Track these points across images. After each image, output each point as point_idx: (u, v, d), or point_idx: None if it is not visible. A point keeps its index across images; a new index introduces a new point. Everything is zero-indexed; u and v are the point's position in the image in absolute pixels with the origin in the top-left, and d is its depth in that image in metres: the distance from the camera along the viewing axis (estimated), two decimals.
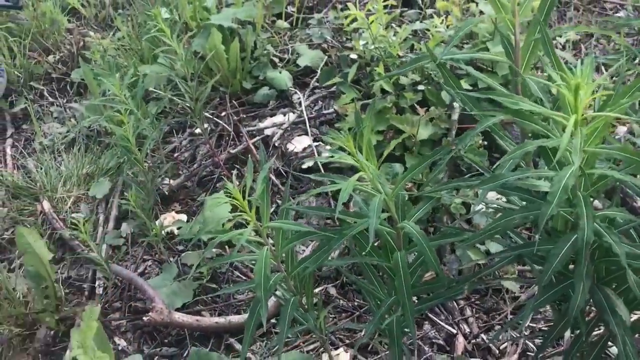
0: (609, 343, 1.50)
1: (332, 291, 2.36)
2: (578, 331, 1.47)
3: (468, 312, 2.16)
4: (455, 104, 2.51)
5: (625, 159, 1.06)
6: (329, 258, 1.49)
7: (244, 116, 3.07)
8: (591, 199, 1.21)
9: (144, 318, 2.17)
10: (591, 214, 1.14)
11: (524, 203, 1.32)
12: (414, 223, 1.46)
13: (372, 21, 2.67)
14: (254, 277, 1.52)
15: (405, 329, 1.60)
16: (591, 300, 1.40)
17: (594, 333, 1.54)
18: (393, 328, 1.57)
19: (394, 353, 1.54)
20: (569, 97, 1.00)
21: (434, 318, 2.15)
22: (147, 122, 2.64)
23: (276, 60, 3.33)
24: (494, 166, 1.30)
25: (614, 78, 2.67)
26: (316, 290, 2.37)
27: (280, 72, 3.18)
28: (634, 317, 1.53)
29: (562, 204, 1.26)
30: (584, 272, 1.17)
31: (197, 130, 3.09)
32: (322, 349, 2.14)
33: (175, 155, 3.03)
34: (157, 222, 2.52)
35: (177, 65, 2.48)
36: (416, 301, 1.67)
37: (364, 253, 1.55)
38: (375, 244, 1.58)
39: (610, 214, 1.29)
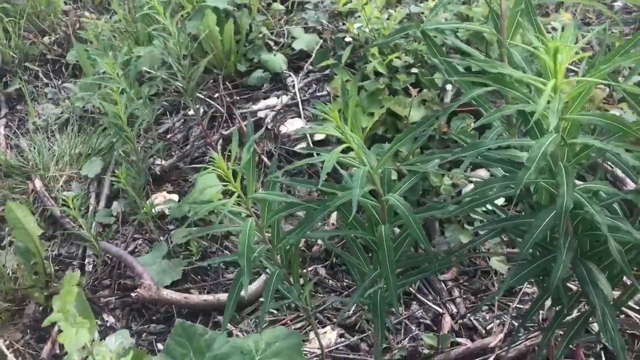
0: (591, 320, 1.50)
1: (322, 271, 2.36)
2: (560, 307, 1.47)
3: (456, 292, 2.15)
4: (448, 87, 2.51)
5: (606, 125, 1.05)
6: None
7: (238, 98, 3.07)
8: (574, 170, 1.21)
9: (132, 294, 2.17)
10: (572, 182, 1.13)
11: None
12: (399, 196, 1.45)
13: (367, 2, 2.66)
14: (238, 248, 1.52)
15: (390, 304, 1.60)
16: (575, 275, 1.40)
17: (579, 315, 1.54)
18: (377, 302, 1.57)
19: (377, 327, 1.54)
20: (548, 62, 0.99)
21: (422, 298, 2.15)
22: (140, 102, 2.64)
23: (271, 43, 3.32)
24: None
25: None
26: (306, 270, 2.37)
27: (275, 55, 3.18)
28: (618, 295, 1.54)
29: (545, 174, 1.26)
30: (562, 242, 1.17)
31: (191, 112, 3.08)
32: (310, 326, 2.15)
33: (169, 136, 3.03)
34: (147, 201, 2.51)
35: (170, 44, 2.47)
36: (402, 276, 1.67)
37: (349, 226, 1.55)
38: (362, 218, 1.58)
39: (594, 187, 1.29)
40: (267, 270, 1.66)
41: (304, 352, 2.04)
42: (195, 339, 1.65)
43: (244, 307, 2.23)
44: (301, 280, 1.71)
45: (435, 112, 2.48)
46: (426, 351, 1.90)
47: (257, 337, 1.79)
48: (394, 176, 1.84)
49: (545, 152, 1.06)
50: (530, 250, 1.49)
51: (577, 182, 1.36)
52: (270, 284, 1.56)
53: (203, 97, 3.05)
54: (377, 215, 1.53)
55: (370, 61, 2.57)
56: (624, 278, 1.54)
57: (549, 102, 0.98)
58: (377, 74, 2.59)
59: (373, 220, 1.55)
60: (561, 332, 1.52)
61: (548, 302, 1.50)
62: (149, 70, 3.02)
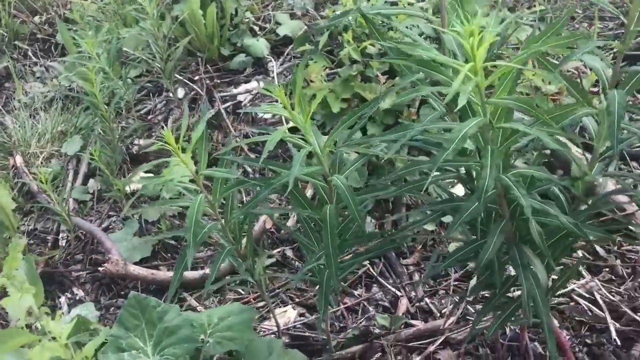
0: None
1: (289, 253, 2.41)
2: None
3: (416, 277, 2.20)
4: None
5: (517, 107, 1.09)
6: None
7: (219, 81, 3.10)
8: (501, 153, 1.24)
9: (100, 269, 2.22)
10: (495, 164, 1.17)
11: None
12: (343, 177, 1.49)
13: None
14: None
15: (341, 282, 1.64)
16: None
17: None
18: (323, 280, 1.62)
19: (320, 304, 1.58)
20: (466, 45, 1.02)
21: (383, 281, 2.20)
22: (119, 82, 2.68)
23: (256, 28, 3.35)
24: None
25: None
26: (274, 251, 2.42)
27: (257, 40, 3.21)
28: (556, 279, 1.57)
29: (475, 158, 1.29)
30: (487, 224, 1.20)
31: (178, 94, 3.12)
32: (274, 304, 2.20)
33: (150, 117, 3.07)
34: (122, 180, 2.56)
35: (148, 24, 2.50)
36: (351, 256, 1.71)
37: (298, 206, 1.59)
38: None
39: (527, 172, 1.33)
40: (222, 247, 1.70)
41: (263, 329, 2.10)
42: (148, 310, 1.70)
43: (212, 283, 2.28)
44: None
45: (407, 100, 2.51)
46: (377, 331, 1.95)
47: (210, 312, 1.84)
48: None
49: (465, 135, 1.10)
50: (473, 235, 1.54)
51: (518, 166, 1.40)
52: (219, 259, 1.61)
53: (184, 79, 3.09)
54: (325, 196, 1.58)
55: (346, 47, 2.60)
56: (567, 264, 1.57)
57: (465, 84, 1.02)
58: (353, 60, 2.62)
59: (322, 200, 1.59)
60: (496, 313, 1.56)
61: None
62: (133, 53, 3.06)
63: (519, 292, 1.58)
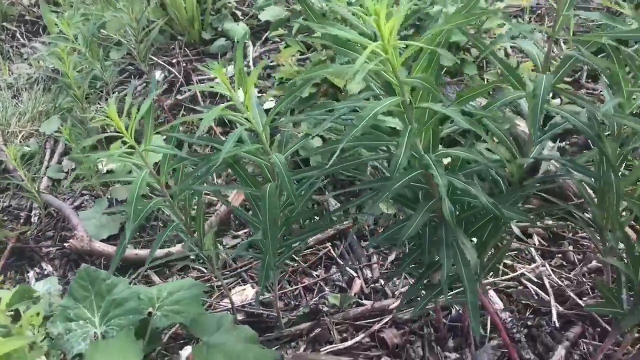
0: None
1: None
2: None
3: (374, 259, 2.23)
4: None
5: (420, 85, 1.11)
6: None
7: (197, 65, 3.14)
8: (417, 133, 1.27)
9: (65, 244, 2.28)
10: (410, 143, 1.19)
11: None
12: (283, 155, 1.52)
13: None
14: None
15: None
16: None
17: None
18: (265, 258, 1.65)
19: (261, 279, 1.62)
20: (372, 23, 1.05)
21: (341, 262, 2.23)
22: (97, 64, 2.72)
23: (239, 13, 3.39)
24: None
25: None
26: (240, 232, 2.46)
27: (237, 25, 3.24)
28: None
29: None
30: (404, 201, 1.23)
31: (155, 77, 3.16)
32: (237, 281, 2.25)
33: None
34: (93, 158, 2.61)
35: (120, 5, 2.54)
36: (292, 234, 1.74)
37: (241, 183, 1.63)
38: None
39: (452, 152, 1.36)
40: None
41: (221, 305, 2.14)
42: (98, 283, 1.75)
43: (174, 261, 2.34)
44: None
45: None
46: (327, 309, 1.99)
47: (162, 286, 1.89)
48: None
49: (376, 113, 1.13)
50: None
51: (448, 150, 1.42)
52: (162, 235, 1.65)
53: (163, 62, 3.13)
54: (268, 174, 1.61)
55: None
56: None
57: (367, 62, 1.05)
58: (323, 45, 2.64)
59: (265, 178, 1.63)
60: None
61: None
62: (115, 35, 3.11)
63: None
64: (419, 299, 1.59)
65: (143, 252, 2.34)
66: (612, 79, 1.34)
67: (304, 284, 2.19)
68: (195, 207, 1.78)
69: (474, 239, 1.56)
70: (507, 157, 1.45)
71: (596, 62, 1.34)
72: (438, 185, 1.24)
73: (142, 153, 1.58)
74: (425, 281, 1.53)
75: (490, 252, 1.60)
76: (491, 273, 1.61)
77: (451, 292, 1.75)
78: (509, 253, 2.10)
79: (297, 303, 2.11)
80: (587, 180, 1.53)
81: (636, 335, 1.70)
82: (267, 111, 2.76)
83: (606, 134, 1.41)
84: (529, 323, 1.80)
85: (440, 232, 1.43)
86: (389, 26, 1.07)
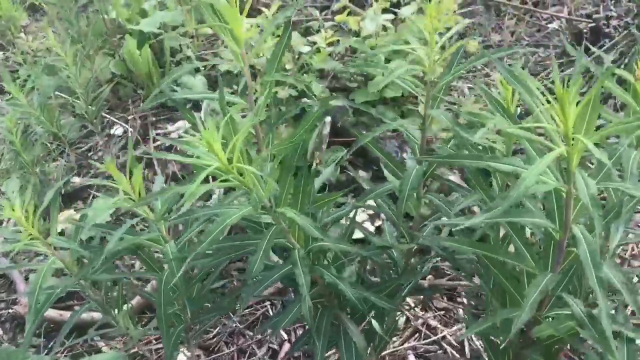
0: None
1: None
2: None
3: None
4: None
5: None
6: None
7: (155, 119, 3.22)
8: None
9: (9, 311, 2.35)
10: (270, 245, 1.24)
11: None
12: (174, 244, 1.57)
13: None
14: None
15: None
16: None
17: None
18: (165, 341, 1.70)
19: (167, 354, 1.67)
20: None
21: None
22: (51, 126, 2.81)
23: (199, 64, 3.46)
24: None
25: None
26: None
27: (194, 77, 3.31)
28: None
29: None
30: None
31: (116, 132, 3.25)
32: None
33: (90, 154, 3.20)
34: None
35: (64, 75, 2.63)
36: None
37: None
38: None
39: (325, 246, 1.39)
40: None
41: None
42: None
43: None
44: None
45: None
46: None
47: None
48: None
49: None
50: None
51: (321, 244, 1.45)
52: (74, 315, 1.71)
53: (123, 117, 3.22)
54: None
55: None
56: None
57: None
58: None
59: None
60: None
61: None
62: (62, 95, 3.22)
63: None
64: None
65: (85, 316, 2.40)
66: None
67: (239, 346, 2.23)
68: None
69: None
70: (387, 244, 1.48)
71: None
72: (298, 286, 1.28)
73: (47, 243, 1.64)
74: None
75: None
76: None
77: None
78: (436, 313, 2.13)
79: None
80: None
81: None
82: None
83: None
84: None
85: (327, 320, 1.46)
86: None
